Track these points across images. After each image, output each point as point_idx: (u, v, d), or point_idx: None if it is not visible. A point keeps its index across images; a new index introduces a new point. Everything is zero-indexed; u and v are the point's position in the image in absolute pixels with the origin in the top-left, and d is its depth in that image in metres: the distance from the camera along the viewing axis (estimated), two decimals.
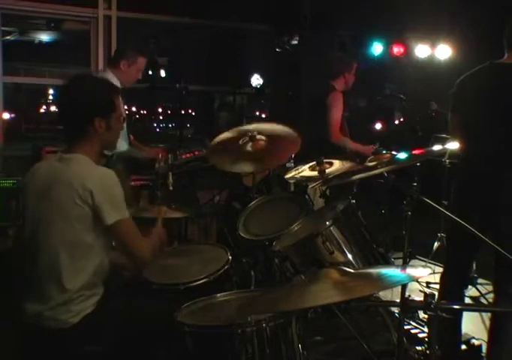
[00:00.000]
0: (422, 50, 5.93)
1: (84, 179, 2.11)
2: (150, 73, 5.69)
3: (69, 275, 2.11)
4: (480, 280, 4.23)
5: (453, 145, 2.96)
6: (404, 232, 2.37)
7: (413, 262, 4.69)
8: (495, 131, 2.75)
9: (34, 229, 2.17)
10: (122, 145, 3.81)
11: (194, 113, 10.37)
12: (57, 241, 2.12)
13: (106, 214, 2.10)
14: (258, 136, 2.91)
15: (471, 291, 4.11)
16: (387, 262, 2.52)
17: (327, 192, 3.18)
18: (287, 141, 2.93)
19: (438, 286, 4.13)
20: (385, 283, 1.72)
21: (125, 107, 3.88)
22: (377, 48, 6.06)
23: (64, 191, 2.11)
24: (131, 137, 4.11)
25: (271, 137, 2.96)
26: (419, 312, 2.88)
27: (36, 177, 2.24)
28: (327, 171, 2.94)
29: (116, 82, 3.58)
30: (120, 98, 2.34)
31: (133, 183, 4.18)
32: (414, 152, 2.73)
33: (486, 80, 2.81)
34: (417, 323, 2.88)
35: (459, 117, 2.91)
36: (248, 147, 2.92)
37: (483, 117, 2.77)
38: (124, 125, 2.64)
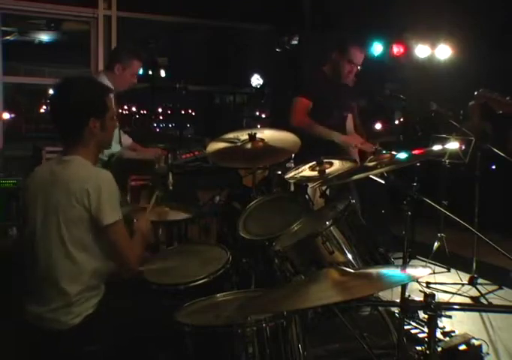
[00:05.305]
0: (422, 50, 5.92)
1: (81, 181, 2.12)
2: (150, 73, 5.68)
3: (69, 278, 2.11)
4: (480, 280, 4.23)
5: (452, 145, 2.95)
6: (404, 232, 2.38)
7: (413, 262, 4.69)
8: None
9: (34, 230, 2.18)
10: (114, 147, 3.80)
11: (194, 113, 10.37)
12: (55, 243, 2.12)
13: (103, 215, 2.10)
14: (258, 136, 2.93)
15: (471, 291, 4.11)
16: (387, 262, 2.51)
17: (327, 192, 3.17)
18: (287, 141, 2.95)
19: (438, 286, 4.17)
20: (385, 283, 1.72)
21: (125, 107, 3.85)
22: (377, 48, 6.06)
23: (63, 194, 2.12)
24: (130, 139, 4.10)
25: (271, 137, 2.98)
26: (419, 312, 2.87)
27: (36, 179, 2.25)
28: (327, 171, 2.94)
29: (109, 86, 3.57)
30: (112, 98, 2.35)
31: (133, 183, 4.18)
32: (414, 152, 2.73)
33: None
34: (417, 323, 2.87)
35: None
36: (248, 145, 2.95)
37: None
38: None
